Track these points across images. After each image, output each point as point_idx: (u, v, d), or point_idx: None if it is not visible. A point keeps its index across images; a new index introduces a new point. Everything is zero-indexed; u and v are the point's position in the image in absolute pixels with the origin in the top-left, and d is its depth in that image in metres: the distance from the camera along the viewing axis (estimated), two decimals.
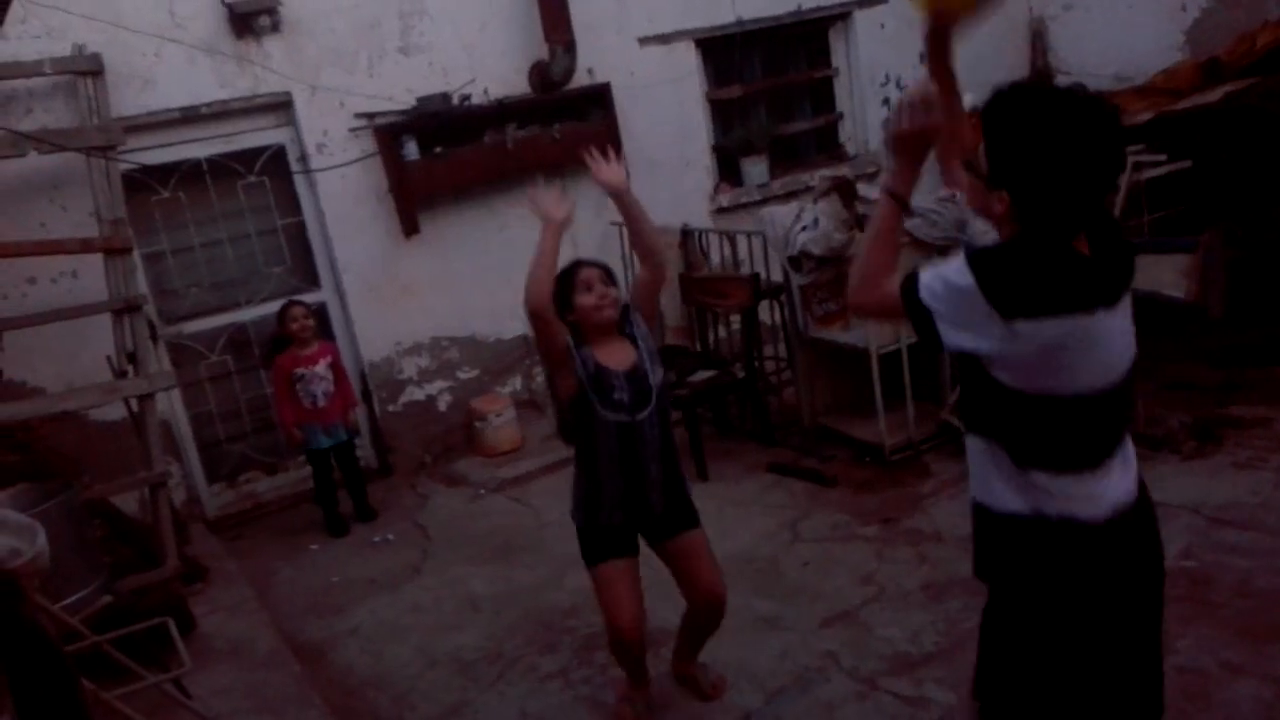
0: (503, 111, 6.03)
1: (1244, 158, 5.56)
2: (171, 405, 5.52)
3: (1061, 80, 7.82)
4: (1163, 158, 5.51)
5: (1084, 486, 1.91)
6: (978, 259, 1.81)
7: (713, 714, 3.37)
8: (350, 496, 5.54)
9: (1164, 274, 5.18)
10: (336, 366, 5.39)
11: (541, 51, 6.10)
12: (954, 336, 1.85)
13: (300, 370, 5.23)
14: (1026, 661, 2.00)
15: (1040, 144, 1.78)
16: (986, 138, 1.88)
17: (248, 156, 5.74)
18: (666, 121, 6.75)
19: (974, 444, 2.03)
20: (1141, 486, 2.01)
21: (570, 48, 6.08)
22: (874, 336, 4.97)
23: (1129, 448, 2.00)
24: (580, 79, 6.29)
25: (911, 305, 1.88)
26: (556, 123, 6.17)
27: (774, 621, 3.84)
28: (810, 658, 3.60)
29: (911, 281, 1.90)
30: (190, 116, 5.46)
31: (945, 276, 1.84)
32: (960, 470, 4.90)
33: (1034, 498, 1.92)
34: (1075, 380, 1.84)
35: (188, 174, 5.60)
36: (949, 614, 3.73)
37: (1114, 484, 1.94)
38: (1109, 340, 1.86)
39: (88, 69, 5.02)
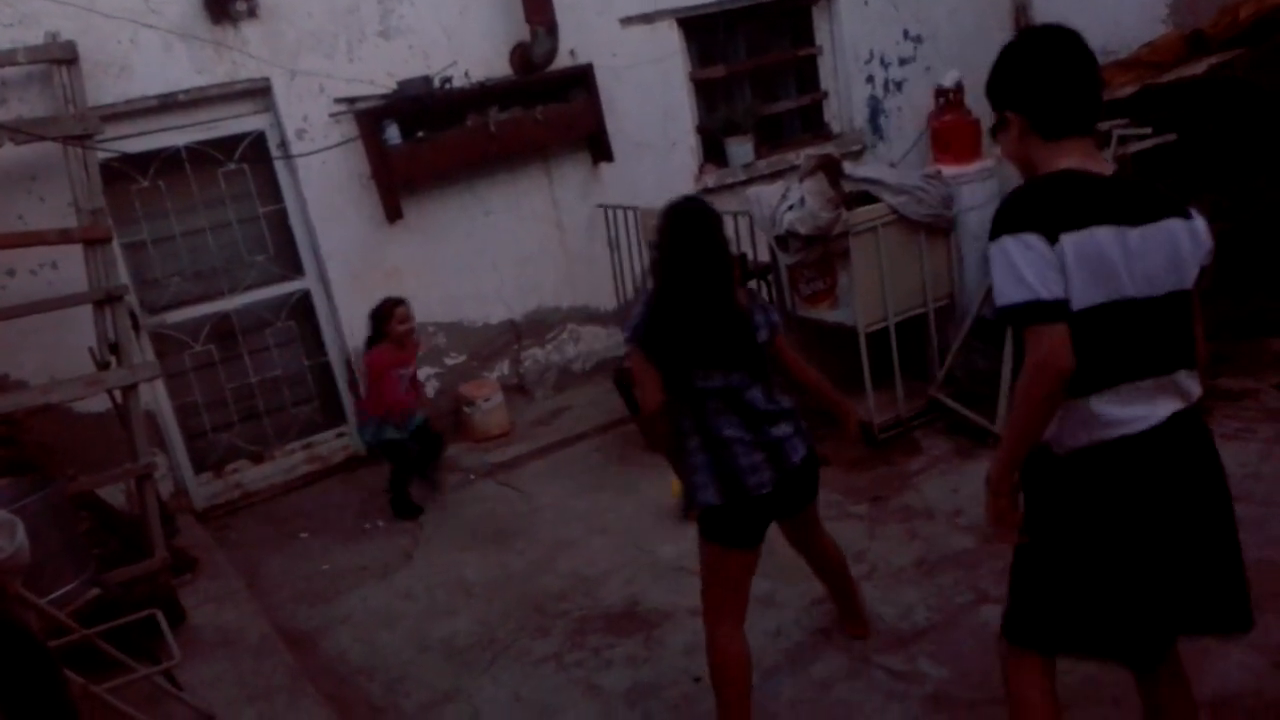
0: (484, 94, 5.97)
1: (1229, 130, 5.55)
2: (156, 396, 5.47)
3: None
4: (1148, 131, 5.50)
5: (1133, 398, 2.07)
6: (1007, 208, 2.05)
7: (705, 694, 3.36)
8: (423, 464, 5.48)
9: None
10: (415, 369, 5.45)
11: (523, 33, 6.04)
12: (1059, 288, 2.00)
13: (400, 371, 5.20)
14: (1060, 564, 2.17)
15: (1031, 60, 2.15)
16: (997, 75, 2.19)
17: (227, 144, 5.67)
18: (650, 102, 6.70)
19: None
20: (1195, 418, 2.14)
21: (552, 29, 6.02)
22: (862, 315, 4.96)
23: (1184, 380, 2.12)
24: (562, 60, 6.24)
25: (1036, 311, 1.99)
26: (539, 105, 6.11)
27: (767, 600, 3.84)
28: (803, 635, 3.60)
29: (1024, 311, 2.00)
30: (168, 104, 5.39)
31: (1019, 253, 1.99)
32: (950, 446, 4.92)
33: (1091, 429, 2.09)
34: (1120, 287, 2.02)
35: (167, 162, 5.53)
36: (940, 589, 3.74)
37: (1163, 401, 2.09)
38: (1144, 254, 2.03)
39: (62, 57, 4.94)
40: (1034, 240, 1.98)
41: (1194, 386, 2.15)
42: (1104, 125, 6.01)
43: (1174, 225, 2.08)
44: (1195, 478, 2.14)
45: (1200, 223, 2.13)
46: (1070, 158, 2.11)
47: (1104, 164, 2.13)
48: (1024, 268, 1.98)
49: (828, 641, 3.54)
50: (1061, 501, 2.16)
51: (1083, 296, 2.00)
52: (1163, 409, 2.09)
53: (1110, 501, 2.10)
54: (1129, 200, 2.06)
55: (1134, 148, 5.63)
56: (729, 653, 2.92)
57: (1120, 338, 2.05)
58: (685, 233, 3.05)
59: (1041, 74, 2.12)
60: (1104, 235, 2.00)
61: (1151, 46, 6.35)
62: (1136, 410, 2.07)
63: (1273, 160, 5.33)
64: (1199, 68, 5.61)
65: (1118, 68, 6.53)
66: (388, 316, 5.16)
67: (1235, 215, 5.53)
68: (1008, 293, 2.01)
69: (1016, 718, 2.33)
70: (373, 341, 5.24)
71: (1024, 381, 2.03)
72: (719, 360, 2.91)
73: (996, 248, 2.04)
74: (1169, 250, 2.07)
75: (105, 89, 5.16)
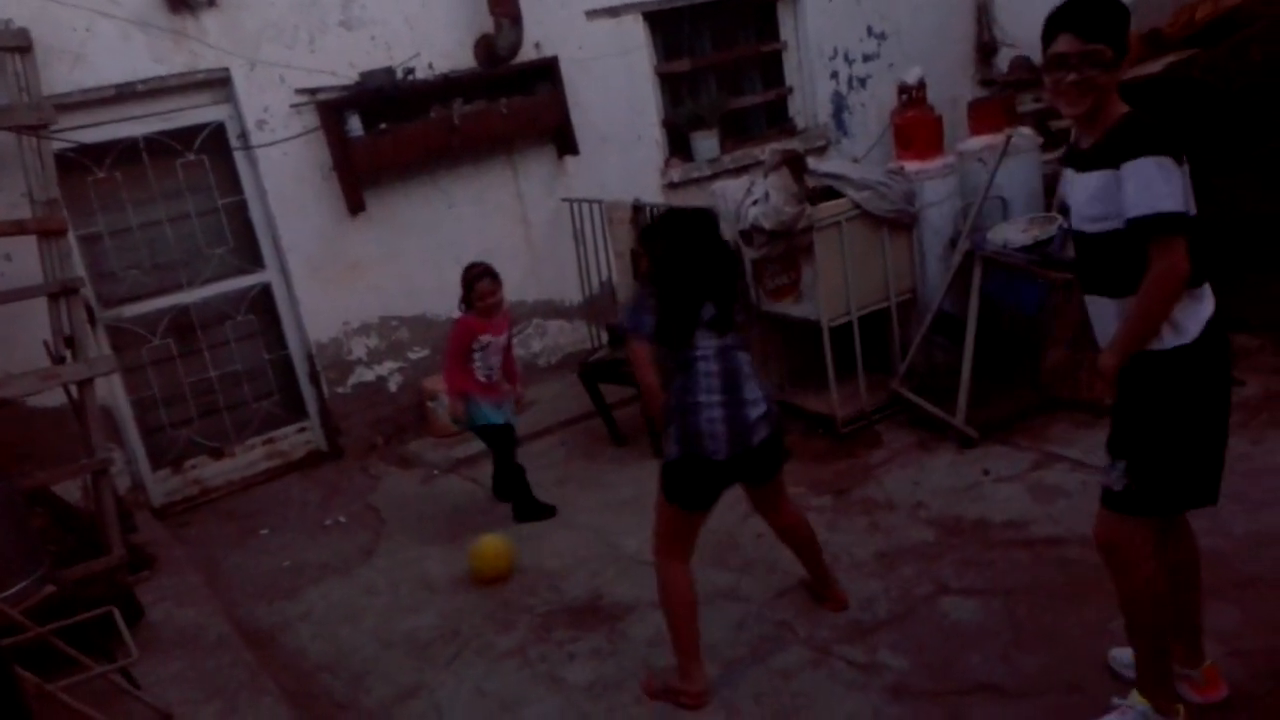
0: (448, 86, 5.93)
1: (1186, 128, 5.64)
2: (112, 390, 5.38)
3: (1006, 53, 7.89)
4: None
5: (1205, 294, 2.51)
6: (1149, 133, 2.35)
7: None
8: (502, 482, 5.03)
9: None
10: (509, 339, 4.89)
11: (487, 25, 6.01)
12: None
13: (486, 337, 4.70)
14: (1167, 429, 2.54)
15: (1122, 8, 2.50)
16: (1120, 17, 2.48)
17: (186, 134, 5.59)
18: (616, 96, 6.69)
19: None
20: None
21: (516, 20, 6.00)
22: (825, 309, 4.99)
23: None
24: (527, 53, 6.21)
25: (1177, 223, 2.36)
26: (503, 97, 6.08)
27: (730, 593, 3.86)
28: (766, 627, 3.62)
29: (1168, 221, 2.34)
30: (125, 94, 5.30)
31: (1163, 171, 2.32)
32: (911, 440, 4.97)
33: (1198, 317, 2.47)
34: (1191, 204, 2.42)
35: (124, 153, 5.43)
36: (901, 581, 3.77)
37: (1210, 301, 2.52)
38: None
39: (15, 45, 4.84)
40: (1171, 164, 2.33)
41: None
42: (1062, 123, 6.10)
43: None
44: (1228, 361, 2.60)
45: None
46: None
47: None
48: (1171, 184, 2.32)
49: (790, 633, 3.57)
50: (1189, 382, 2.50)
51: (1190, 209, 2.39)
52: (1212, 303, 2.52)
53: (1214, 375, 2.54)
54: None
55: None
56: (672, 582, 3.26)
57: (1197, 244, 2.42)
58: (700, 243, 3.26)
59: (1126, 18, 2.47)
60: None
61: None
62: (1207, 304, 2.49)
63: (1228, 159, 5.43)
64: (1156, 66, 5.69)
65: None
66: (469, 288, 4.66)
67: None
68: (1155, 203, 2.31)
69: (1128, 576, 2.66)
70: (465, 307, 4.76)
71: (1158, 284, 2.38)
72: (720, 329, 3.21)
73: (1140, 164, 2.33)
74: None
75: (60, 78, 5.06)
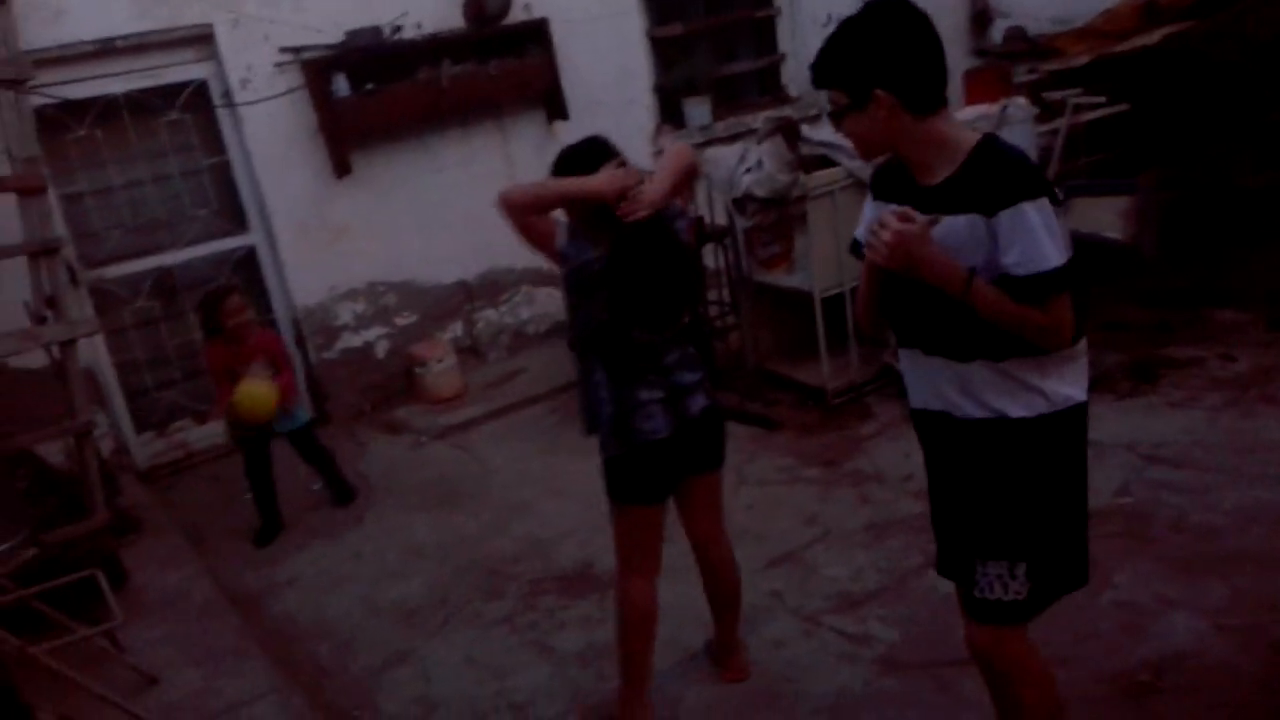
0: (436, 47, 5.82)
1: (1181, 100, 5.62)
2: (95, 353, 5.31)
3: (1000, 24, 7.82)
4: (1102, 100, 5.55)
5: (1074, 360, 2.14)
6: (1022, 174, 1.99)
7: (657, 654, 3.36)
8: (321, 475, 4.99)
9: (1103, 216, 5.25)
10: (277, 358, 4.63)
11: None
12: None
13: (234, 369, 4.53)
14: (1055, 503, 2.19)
15: (905, 42, 2.03)
16: (857, 56, 2.06)
17: (169, 92, 5.48)
18: (607, 59, 6.59)
19: (1013, 367, 2.09)
20: None
21: None
22: (818, 279, 4.96)
23: None
24: (517, 14, 6.09)
25: (1064, 276, 2.01)
26: (493, 59, 5.97)
27: None
28: (756, 597, 3.61)
29: (1056, 277, 1.99)
30: (106, 49, 5.18)
31: (1043, 217, 1.97)
32: (901, 412, 4.95)
33: (1079, 380, 2.15)
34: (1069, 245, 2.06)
35: (105, 110, 5.33)
36: (890, 553, 3.77)
37: (1085, 357, 2.20)
38: None
39: None
40: (1049, 206, 1.98)
41: None
42: (1057, 94, 6.06)
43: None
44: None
45: None
46: (952, 129, 2.09)
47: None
48: (1053, 233, 1.97)
49: (780, 603, 3.57)
50: (1067, 452, 2.17)
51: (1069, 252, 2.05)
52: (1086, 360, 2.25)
53: (1081, 448, 2.20)
54: None
55: (1087, 117, 5.69)
56: (637, 606, 2.91)
57: (1077, 292, 2.09)
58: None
59: (916, 48, 2.03)
60: None
61: (1107, 15, 6.38)
62: (1084, 361, 2.17)
63: (1223, 131, 5.41)
64: (1153, 38, 5.65)
65: (1073, 37, 6.57)
66: (217, 308, 4.52)
67: (1184, 186, 5.61)
68: (1041, 260, 1.96)
69: (1033, 689, 2.33)
70: (208, 335, 4.65)
71: (1039, 335, 2.03)
72: (659, 322, 2.78)
73: (1020, 213, 1.96)
74: None
75: (38, 32, 4.94)
